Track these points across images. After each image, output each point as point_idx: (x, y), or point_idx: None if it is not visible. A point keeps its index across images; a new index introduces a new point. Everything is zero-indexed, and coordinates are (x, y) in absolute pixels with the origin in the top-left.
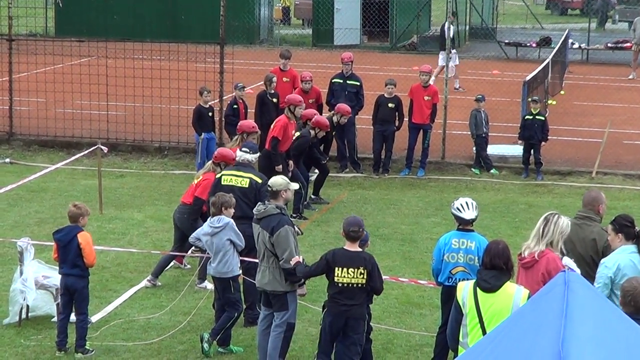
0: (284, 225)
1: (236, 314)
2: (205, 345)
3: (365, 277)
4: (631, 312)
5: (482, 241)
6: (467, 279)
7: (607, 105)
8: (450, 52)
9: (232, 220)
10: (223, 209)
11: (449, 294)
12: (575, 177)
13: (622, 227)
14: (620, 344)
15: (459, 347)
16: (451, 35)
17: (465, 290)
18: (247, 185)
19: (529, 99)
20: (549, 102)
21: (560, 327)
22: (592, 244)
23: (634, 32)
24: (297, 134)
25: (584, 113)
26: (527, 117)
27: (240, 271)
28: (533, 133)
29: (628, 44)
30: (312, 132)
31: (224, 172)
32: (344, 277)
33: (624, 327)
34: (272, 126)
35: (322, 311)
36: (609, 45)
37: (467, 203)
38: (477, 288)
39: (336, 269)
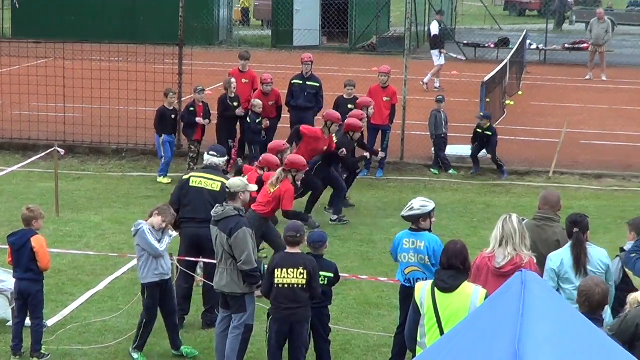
0: (242, 227)
1: (144, 321)
2: (134, 354)
3: (305, 277)
4: (586, 312)
5: (432, 240)
6: (422, 279)
7: (564, 105)
8: (438, 50)
9: (145, 227)
10: (155, 213)
11: (405, 294)
12: (533, 177)
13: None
14: (575, 344)
15: (417, 347)
16: (437, 33)
17: (423, 290)
18: (218, 189)
19: (478, 116)
20: (507, 102)
21: (517, 326)
22: (556, 244)
23: (591, 33)
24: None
25: (541, 113)
26: (477, 129)
27: (168, 277)
28: (483, 144)
29: (585, 45)
30: (348, 136)
31: (192, 174)
32: (284, 277)
33: (580, 327)
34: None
35: (268, 319)
36: (566, 46)
37: (413, 203)
38: (435, 288)
39: (276, 270)
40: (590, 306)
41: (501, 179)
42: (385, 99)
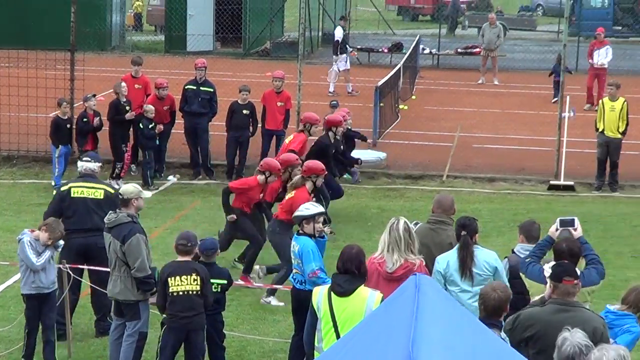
0: (135, 234)
1: (27, 330)
2: None
3: (199, 283)
4: (483, 317)
5: (306, 244)
6: (301, 281)
7: (457, 109)
8: (340, 56)
9: (27, 239)
10: (43, 229)
11: (294, 297)
12: (427, 181)
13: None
14: (466, 347)
15: (315, 352)
16: (339, 38)
17: (320, 294)
18: (101, 197)
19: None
20: (401, 107)
21: (411, 329)
22: (448, 247)
23: (483, 38)
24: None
25: (434, 117)
26: None
27: (48, 291)
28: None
29: (477, 50)
30: (330, 134)
31: (72, 185)
32: (178, 285)
33: (471, 329)
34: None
35: (161, 329)
36: (459, 50)
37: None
38: (332, 292)
39: (169, 279)
40: (486, 311)
41: (354, 182)
42: (279, 104)
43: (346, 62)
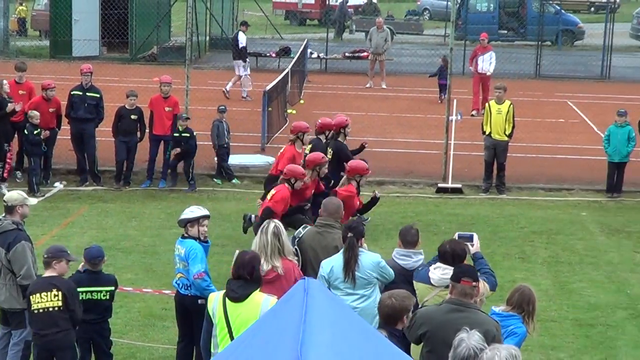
0: (20, 241)
1: None
2: None
3: (60, 298)
4: (381, 324)
5: (192, 246)
6: (187, 285)
7: (345, 113)
8: (244, 62)
9: None
10: None
11: (178, 302)
12: None
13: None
14: (355, 349)
15: (212, 358)
16: (244, 44)
17: (215, 300)
18: None
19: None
20: (289, 111)
21: (300, 332)
22: (334, 250)
23: (370, 42)
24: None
25: None
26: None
27: None
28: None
29: (365, 54)
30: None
31: None
32: (38, 302)
33: (360, 333)
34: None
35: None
36: (347, 54)
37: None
38: (226, 298)
39: (31, 297)
40: (382, 317)
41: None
42: (167, 109)
43: (246, 67)
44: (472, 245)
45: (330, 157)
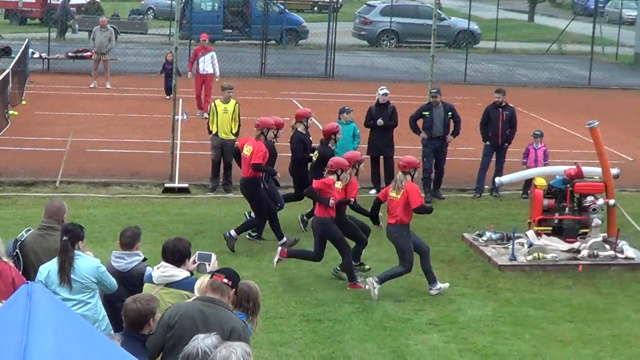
0: None
1: None
2: None
3: None
4: (125, 329)
5: None
6: None
7: (69, 114)
8: None
9: None
10: None
11: None
12: (40, 187)
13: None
14: (77, 356)
15: None
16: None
17: None
18: None
19: None
20: (11, 112)
21: (23, 337)
22: (56, 253)
23: (94, 41)
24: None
25: (46, 122)
26: None
27: None
28: None
29: (88, 53)
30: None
31: None
32: None
33: (85, 339)
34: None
35: None
36: (70, 54)
37: None
38: None
39: None
40: (125, 322)
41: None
42: None
43: None
44: (209, 265)
45: (315, 159)
